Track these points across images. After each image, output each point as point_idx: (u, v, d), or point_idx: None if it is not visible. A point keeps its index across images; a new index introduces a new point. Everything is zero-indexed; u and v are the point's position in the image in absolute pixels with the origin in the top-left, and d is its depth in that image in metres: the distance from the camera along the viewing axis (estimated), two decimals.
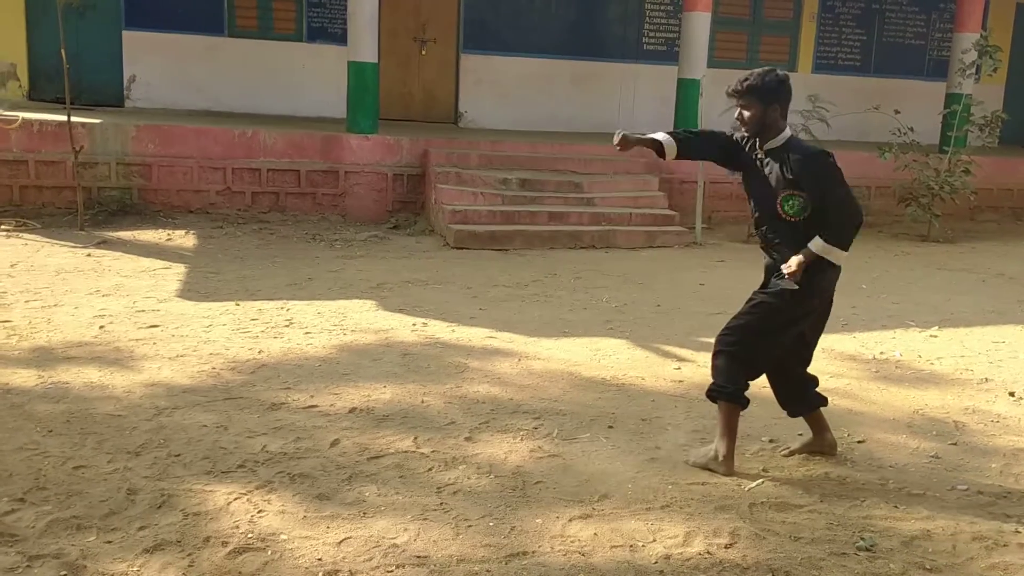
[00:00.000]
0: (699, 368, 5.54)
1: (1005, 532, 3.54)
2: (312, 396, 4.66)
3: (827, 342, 6.17)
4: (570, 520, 3.46)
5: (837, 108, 11.21)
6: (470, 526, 3.37)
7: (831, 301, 4.13)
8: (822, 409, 4.23)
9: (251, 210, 10.04)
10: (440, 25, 12.62)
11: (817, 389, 4.23)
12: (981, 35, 11.63)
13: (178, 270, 7.50)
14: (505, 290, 7.43)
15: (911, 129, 10.81)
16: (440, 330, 6.06)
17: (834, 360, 5.82)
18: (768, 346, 3.97)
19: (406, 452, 4.01)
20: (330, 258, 8.36)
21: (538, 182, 10.33)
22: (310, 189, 10.21)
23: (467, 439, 4.20)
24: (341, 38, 11.38)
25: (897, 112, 10.86)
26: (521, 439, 4.24)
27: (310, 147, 10.16)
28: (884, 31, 14.31)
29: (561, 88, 13.15)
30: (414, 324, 6.18)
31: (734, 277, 8.17)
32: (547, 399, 4.83)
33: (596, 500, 3.65)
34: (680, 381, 5.28)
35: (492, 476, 3.82)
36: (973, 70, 11.53)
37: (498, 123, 12.78)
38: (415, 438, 4.17)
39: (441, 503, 3.54)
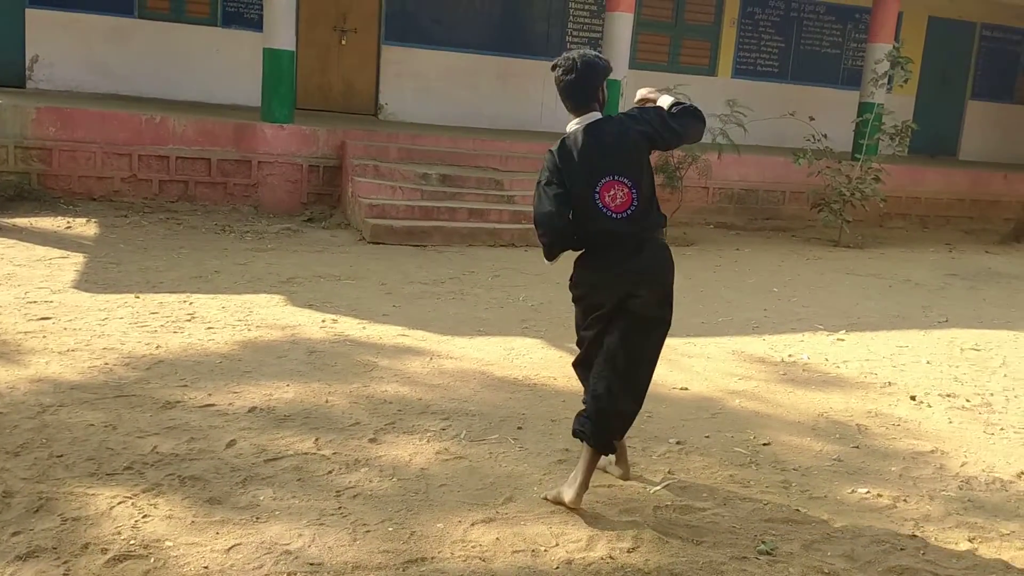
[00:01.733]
0: None
1: (902, 536, 3.59)
2: (210, 394, 4.46)
3: (738, 344, 6.26)
4: (472, 524, 3.37)
5: (754, 113, 11.40)
6: (368, 531, 3.26)
7: (642, 316, 3.50)
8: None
9: (158, 199, 9.68)
10: (361, 15, 12.39)
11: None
12: (894, 46, 11.97)
13: (76, 260, 7.16)
14: (421, 287, 7.30)
15: (825, 136, 11.06)
16: (350, 327, 5.91)
17: (743, 362, 5.86)
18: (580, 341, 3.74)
19: (306, 454, 3.86)
20: (240, 250, 8.10)
21: (459, 178, 10.22)
22: (221, 179, 9.90)
23: (371, 440, 4.07)
24: (257, 24, 11.10)
25: (812, 119, 11.09)
26: (428, 440, 4.14)
27: (222, 135, 9.84)
28: (802, 39, 14.62)
29: (486, 84, 13.06)
30: (323, 320, 6.01)
31: None
32: (457, 399, 4.73)
33: (501, 503, 3.57)
34: None
35: (395, 479, 3.70)
36: (885, 80, 11.84)
37: (420, 117, 12.62)
38: (316, 439, 4.02)
39: (340, 507, 3.41)
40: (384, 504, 3.47)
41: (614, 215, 3.46)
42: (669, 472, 4.04)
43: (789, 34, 14.49)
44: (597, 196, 3.46)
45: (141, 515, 3.26)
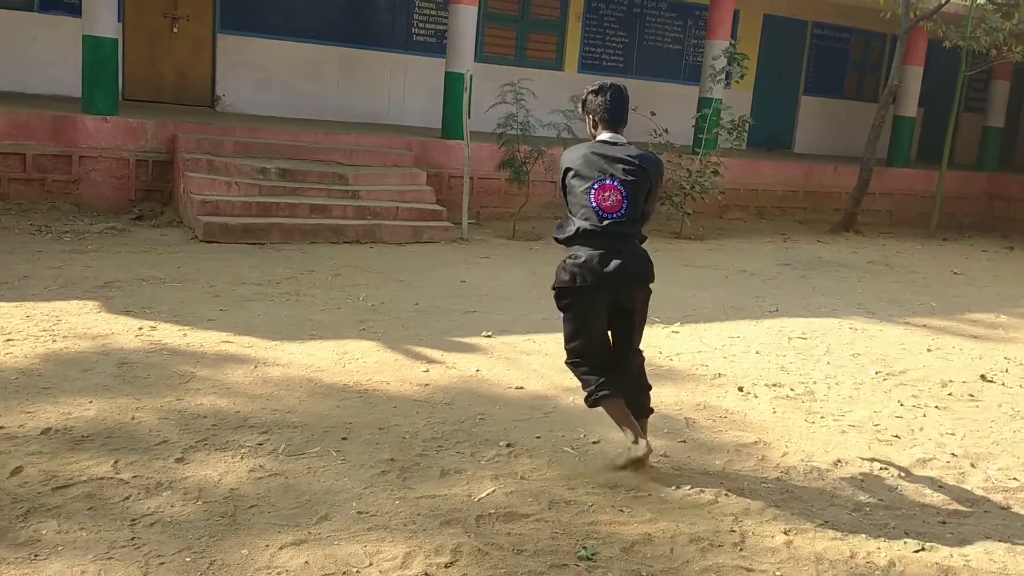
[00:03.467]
0: (447, 370, 5.40)
1: (721, 532, 3.62)
2: None
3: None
4: (281, 548, 3.17)
5: None
6: (163, 563, 3.01)
7: (630, 311, 3.99)
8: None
9: None
10: (193, 1, 11.78)
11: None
12: (730, 43, 12.36)
13: None
14: (253, 288, 6.97)
15: (666, 131, 11.29)
16: (169, 334, 5.55)
17: None
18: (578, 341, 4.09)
19: (102, 479, 3.55)
20: (55, 252, 7.53)
21: (300, 172, 9.87)
22: (38, 175, 9.21)
23: (178, 460, 3.80)
24: (78, 9, 10.33)
25: (653, 114, 11.28)
26: (241, 457, 3.90)
27: (38, 128, 9.15)
28: (645, 35, 14.92)
29: (329, 75, 12.70)
30: (140, 328, 5.62)
31: (496, 274, 8.14)
32: (279, 410, 4.49)
33: (314, 523, 3.38)
34: (426, 384, 5.10)
35: (200, 502, 3.45)
36: (723, 76, 12.21)
37: (260, 109, 12.15)
38: (116, 462, 3.71)
39: (133, 538, 3.14)
40: (184, 531, 3.22)
41: (603, 213, 3.86)
42: (495, 476, 3.95)
43: (633, 29, 14.76)
44: (592, 192, 3.86)
45: None
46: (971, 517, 3.98)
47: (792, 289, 8.85)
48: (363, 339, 5.89)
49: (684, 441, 4.61)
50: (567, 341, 4.06)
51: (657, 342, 6.42)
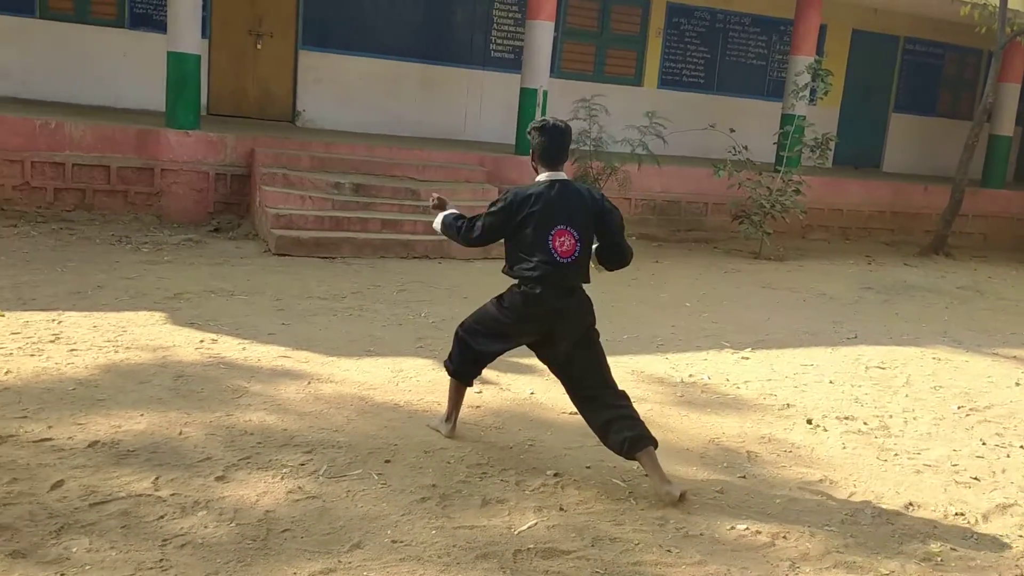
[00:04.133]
0: (500, 392, 5.29)
1: None
2: (50, 427, 4.11)
3: (639, 364, 6.08)
4: None
5: (675, 124, 11.31)
6: None
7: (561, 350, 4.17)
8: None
9: (53, 208, 9.21)
10: (277, 18, 12.02)
11: (631, 434, 4.03)
12: (815, 59, 11.98)
13: None
14: (318, 303, 6.99)
15: (745, 148, 10.99)
16: (229, 348, 5.58)
17: (641, 383, 5.67)
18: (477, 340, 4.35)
19: (140, 496, 3.54)
20: (131, 263, 7.70)
21: (373, 187, 9.91)
22: (122, 187, 9.47)
23: (219, 478, 3.77)
24: (166, 26, 10.64)
25: (732, 131, 11.01)
26: (282, 478, 3.85)
27: (123, 141, 9.41)
28: (727, 50, 14.60)
29: (407, 91, 12.78)
30: (201, 340, 5.67)
31: None
32: (326, 429, 4.44)
33: (346, 551, 3.30)
34: (478, 407, 4.99)
35: (234, 524, 3.40)
36: (806, 92, 11.84)
37: (339, 124, 12.29)
38: (156, 478, 3.70)
39: (161, 559, 3.11)
40: (214, 554, 3.17)
41: (560, 258, 4.03)
42: (539, 508, 3.80)
43: (714, 45, 14.46)
44: (550, 239, 4.01)
45: None
46: None
47: (873, 315, 8.45)
48: (420, 357, 5.82)
49: (744, 477, 4.38)
50: (476, 322, 4.34)
51: (725, 368, 6.19)
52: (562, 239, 4.02)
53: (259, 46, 11.94)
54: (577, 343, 4.14)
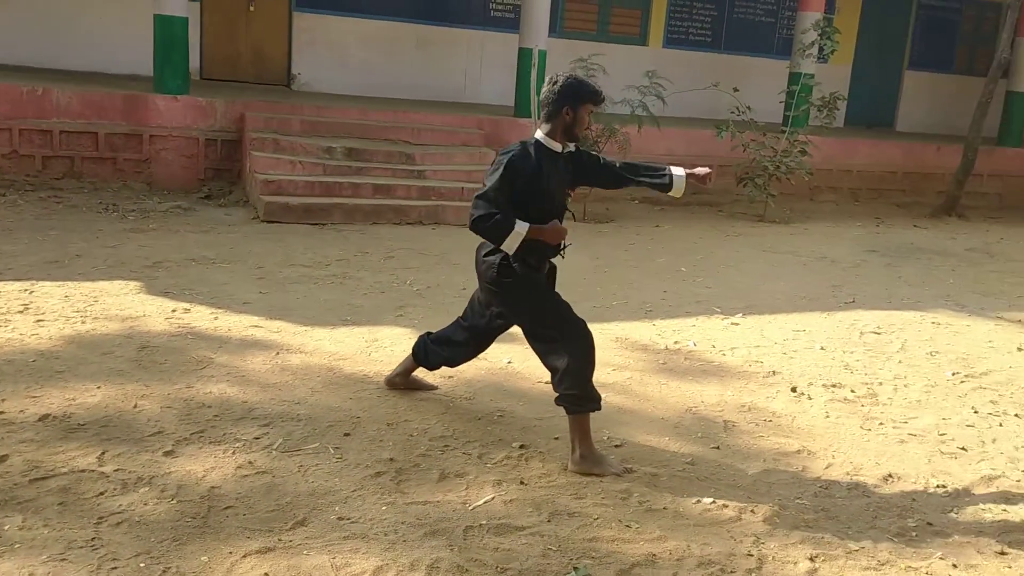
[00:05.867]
0: (476, 360, 5.12)
1: (736, 555, 3.26)
2: (3, 399, 4.02)
3: (624, 330, 5.92)
4: (244, 556, 2.98)
5: (679, 85, 11.02)
6: (115, 568, 2.86)
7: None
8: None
9: (42, 176, 9.11)
10: None
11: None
12: (823, 15, 11.63)
13: None
14: (301, 270, 6.86)
15: (749, 108, 10.69)
16: (200, 317, 5.47)
17: (623, 350, 5.51)
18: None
19: (82, 471, 3.44)
20: (115, 231, 7.59)
21: (366, 152, 9.74)
22: (110, 154, 9.35)
23: (167, 453, 3.66)
24: None
25: (736, 90, 10.71)
26: (233, 452, 3.73)
27: (110, 107, 9.28)
28: (735, 7, 14.21)
29: (405, 53, 12.54)
30: (173, 310, 5.56)
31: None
32: (288, 401, 4.33)
33: (288, 528, 3.18)
34: (450, 376, 4.85)
35: (175, 500, 3.30)
36: (813, 50, 11.50)
37: (335, 87, 12.09)
38: (102, 453, 3.60)
39: (94, 538, 3.01)
40: (149, 533, 3.07)
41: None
42: (498, 482, 3.67)
43: (722, 2, 14.08)
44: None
45: None
46: None
47: (875, 278, 8.23)
48: (398, 326, 5.69)
49: (718, 447, 4.23)
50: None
51: (712, 335, 6.02)
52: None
53: (252, 8, 11.72)
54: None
